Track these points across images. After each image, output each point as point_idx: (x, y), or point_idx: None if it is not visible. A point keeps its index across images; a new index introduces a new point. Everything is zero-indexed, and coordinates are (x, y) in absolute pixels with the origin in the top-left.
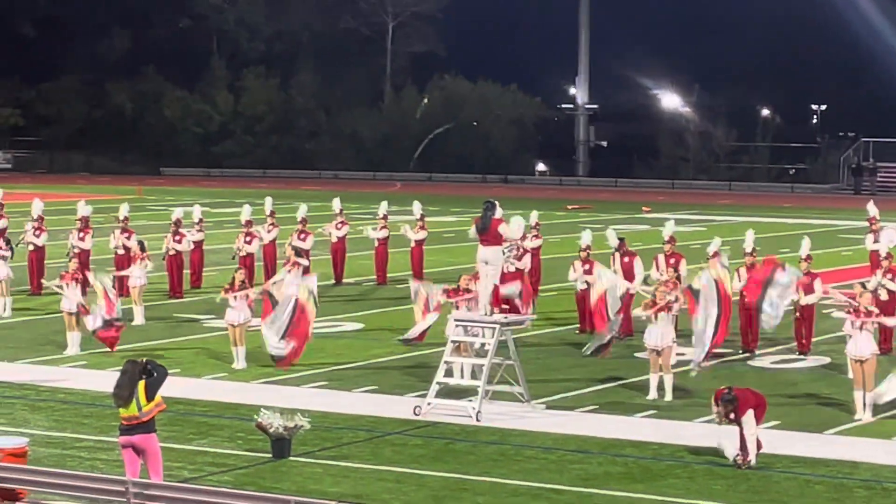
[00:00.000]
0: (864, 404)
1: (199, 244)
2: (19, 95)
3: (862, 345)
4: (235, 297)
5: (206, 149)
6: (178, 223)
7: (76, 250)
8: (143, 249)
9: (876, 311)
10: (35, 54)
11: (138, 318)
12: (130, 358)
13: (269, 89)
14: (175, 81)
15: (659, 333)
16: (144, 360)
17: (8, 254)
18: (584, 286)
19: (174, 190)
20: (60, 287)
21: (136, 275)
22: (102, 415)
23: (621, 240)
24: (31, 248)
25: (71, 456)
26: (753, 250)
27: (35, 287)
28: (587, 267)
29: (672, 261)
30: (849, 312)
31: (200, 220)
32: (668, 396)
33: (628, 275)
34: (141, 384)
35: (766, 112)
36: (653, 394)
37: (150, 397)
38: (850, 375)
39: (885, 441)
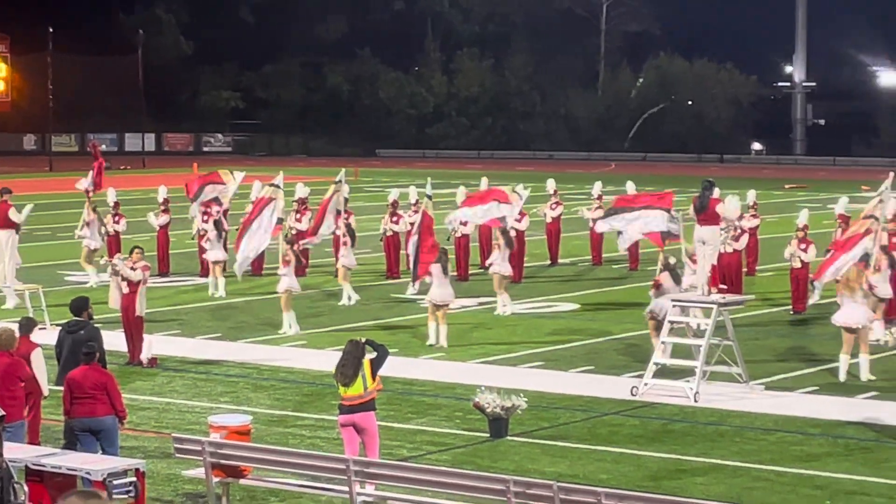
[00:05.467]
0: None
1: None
2: (239, 79)
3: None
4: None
5: (420, 130)
6: (394, 205)
7: (294, 231)
8: (353, 235)
9: None
10: (254, 39)
11: (345, 299)
12: (350, 339)
13: (483, 71)
14: (390, 63)
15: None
16: (364, 339)
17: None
18: (799, 264)
19: (389, 171)
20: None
21: (345, 255)
22: (322, 394)
23: None
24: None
25: (293, 434)
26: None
27: (256, 269)
28: (803, 246)
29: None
30: None
31: (417, 202)
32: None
33: None
34: (366, 362)
35: None
36: (864, 375)
37: (374, 375)
38: None
39: None
